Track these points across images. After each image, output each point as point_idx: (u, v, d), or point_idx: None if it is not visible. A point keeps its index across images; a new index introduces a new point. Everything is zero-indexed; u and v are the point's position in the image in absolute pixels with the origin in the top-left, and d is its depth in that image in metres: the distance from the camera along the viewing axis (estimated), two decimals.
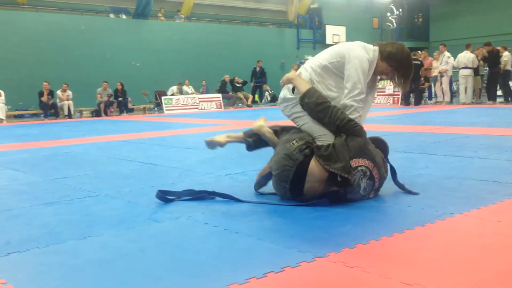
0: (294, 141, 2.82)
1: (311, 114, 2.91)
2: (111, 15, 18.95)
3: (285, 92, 3.08)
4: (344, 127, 2.80)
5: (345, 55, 2.93)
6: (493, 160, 4.04)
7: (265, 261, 1.89)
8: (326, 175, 2.71)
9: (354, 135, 2.79)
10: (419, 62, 14.08)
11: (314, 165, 2.72)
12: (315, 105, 2.86)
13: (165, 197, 2.98)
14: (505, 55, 13.31)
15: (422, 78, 14.27)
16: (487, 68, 14.00)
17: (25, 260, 2.05)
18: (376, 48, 3.03)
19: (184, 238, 2.28)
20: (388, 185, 3.21)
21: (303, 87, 2.93)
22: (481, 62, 13.84)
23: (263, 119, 3.28)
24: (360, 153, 2.75)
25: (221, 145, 3.33)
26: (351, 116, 2.84)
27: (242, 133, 3.35)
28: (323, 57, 3.04)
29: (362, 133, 2.83)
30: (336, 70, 2.96)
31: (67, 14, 17.69)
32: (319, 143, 2.85)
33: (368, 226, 2.34)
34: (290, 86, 3.04)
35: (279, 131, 3.12)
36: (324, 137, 2.86)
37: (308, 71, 3.04)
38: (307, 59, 20.08)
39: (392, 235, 2.16)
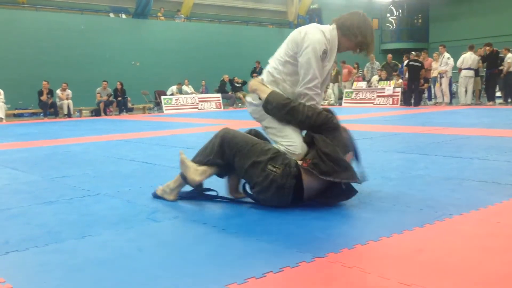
0: (270, 167, 2.63)
1: (278, 119, 2.82)
2: (111, 15, 18.96)
3: (253, 97, 2.94)
4: (316, 122, 2.71)
5: (299, 42, 2.77)
6: (492, 161, 4.04)
7: (264, 261, 1.89)
8: (325, 183, 2.65)
9: (330, 130, 2.71)
10: (419, 64, 14.10)
11: (309, 179, 2.65)
12: (279, 109, 2.77)
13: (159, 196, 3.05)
14: (509, 56, 13.33)
15: (422, 79, 14.29)
16: (485, 69, 14.01)
17: (24, 259, 2.05)
18: (334, 26, 2.87)
19: (183, 237, 2.28)
20: (388, 186, 3.22)
21: (264, 94, 2.82)
22: (480, 63, 13.87)
23: (186, 162, 2.91)
24: (346, 149, 2.71)
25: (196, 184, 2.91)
26: (308, 104, 2.77)
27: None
28: (282, 51, 2.87)
29: (337, 125, 2.74)
30: (296, 61, 2.80)
31: (67, 14, 17.69)
32: (287, 146, 2.75)
33: (367, 226, 2.34)
34: (256, 95, 2.90)
35: (225, 152, 2.79)
36: (291, 136, 2.77)
37: (271, 71, 2.91)
38: None
39: (391, 236, 2.16)
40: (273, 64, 2.92)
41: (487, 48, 13.59)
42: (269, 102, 2.79)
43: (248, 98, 2.98)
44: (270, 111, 2.82)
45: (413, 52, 15.24)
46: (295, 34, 2.85)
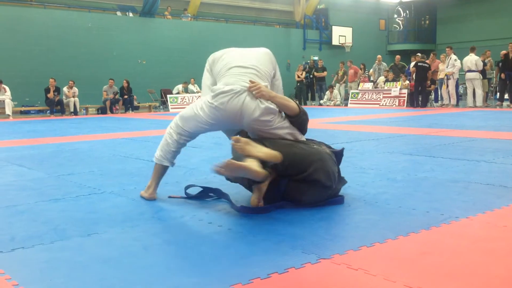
0: (314, 146, 2.78)
1: (299, 125, 2.88)
2: (118, 13, 19.00)
3: (268, 103, 2.73)
4: None
5: (274, 66, 2.99)
6: (499, 164, 4.02)
7: (269, 262, 1.89)
8: None
9: None
10: (427, 65, 14.09)
11: None
12: (306, 117, 2.89)
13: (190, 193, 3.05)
14: None
15: (429, 81, 14.27)
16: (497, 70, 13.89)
17: (30, 256, 2.06)
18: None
19: (188, 237, 2.28)
20: (394, 188, 3.21)
21: (291, 103, 2.83)
22: (488, 66, 13.76)
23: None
24: None
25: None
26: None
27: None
28: (268, 67, 2.92)
29: None
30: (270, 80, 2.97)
31: (75, 11, 17.75)
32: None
33: (372, 228, 2.33)
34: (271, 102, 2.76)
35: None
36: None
37: (266, 83, 2.85)
38: (313, 60, 20.06)
39: (397, 238, 2.15)
40: (263, 76, 2.86)
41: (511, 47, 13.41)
42: (304, 112, 2.87)
43: (271, 105, 2.73)
44: (303, 121, 2.87)
45: (418, 54, 15.17)
46: (271, 57, 3.02)
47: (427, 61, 14.56)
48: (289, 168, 2.60)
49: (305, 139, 2.91)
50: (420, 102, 14.18)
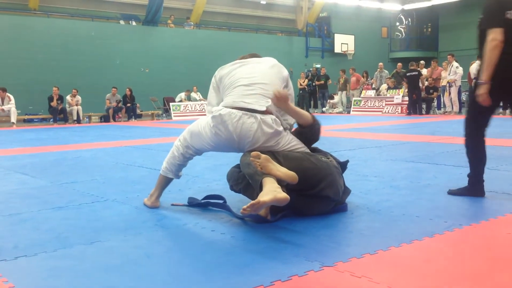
0: (324, 159, 2.73)
1: (312, 135, 2.89)
2: (121, 22, 19.10)
3: (268, 127, 2.64)
4: None
5: (285, 79, 2.91)
6: (502, 172, 4.00)
7: (272, 270, 1.89)
8: None
9: None
10: (416, 73, 14.11)
11: None
12: (319, 126, 2.90)
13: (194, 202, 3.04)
14: None
15: (422, 86, 14.34)
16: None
17: (33, 264, 2.06)
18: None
19: (191, 245, 2.28)
20: (397, 196, 3.20)
21: (304, 112, 2.88)
22: None
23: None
24: None
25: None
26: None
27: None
28: (275, 84, 2.79)
29: None
30: None
31: (78, 20, 17.85)
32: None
33: (376, 236, 2.32)
34: (273, 116, 2.69)
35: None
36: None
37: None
38: (315, 67, 20.11)
39: (400, 245, 2.15)
40: (268, 93, 2.76)
41: None
42: (317, 122, 2.90)
43: (270, 129, 2.65)
44: (316, 130, 2.88)
45: (412, 62, 15.17)
46: (282, 70, 2.94)
47: (418, 68, 14.62)
48: (299, 183, 2.51)
49: (309, 151, 2.86)
50: (418, 110, 14.10)
